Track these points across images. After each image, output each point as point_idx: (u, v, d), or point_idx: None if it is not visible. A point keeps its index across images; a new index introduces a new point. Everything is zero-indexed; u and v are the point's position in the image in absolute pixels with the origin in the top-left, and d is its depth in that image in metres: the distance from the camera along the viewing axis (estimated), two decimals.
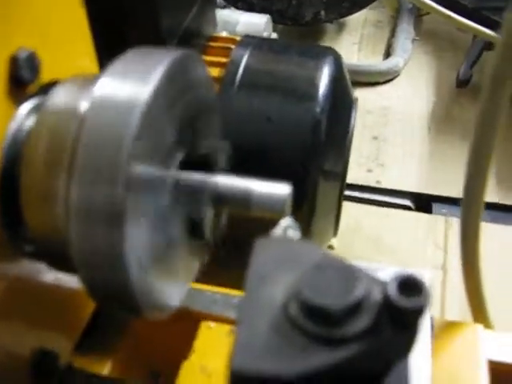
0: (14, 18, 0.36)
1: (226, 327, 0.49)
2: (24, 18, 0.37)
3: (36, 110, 0.38)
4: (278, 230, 0.34)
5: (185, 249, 0.39)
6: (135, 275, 0.33)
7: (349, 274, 0.27)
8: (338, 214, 0.71)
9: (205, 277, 0.49)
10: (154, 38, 0.53)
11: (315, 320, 0.26)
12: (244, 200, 0.35)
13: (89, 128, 0.33)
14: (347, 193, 0.81)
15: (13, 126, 0.37)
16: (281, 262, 0.29)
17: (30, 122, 0.37)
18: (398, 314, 0.25)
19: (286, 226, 0.35)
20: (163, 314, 0.38)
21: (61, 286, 0.44)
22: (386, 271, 0.50)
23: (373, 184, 0.97)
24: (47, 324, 0.44)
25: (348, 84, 0.70)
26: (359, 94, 1.16)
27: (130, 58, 0.36)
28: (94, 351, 0.52)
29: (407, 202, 0.94)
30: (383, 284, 0.26)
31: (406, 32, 1.29)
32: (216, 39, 0.69)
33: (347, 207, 0.74)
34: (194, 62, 0.37)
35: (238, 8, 1.09)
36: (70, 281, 0.44)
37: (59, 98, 0.37)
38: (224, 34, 0.74)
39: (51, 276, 0.42)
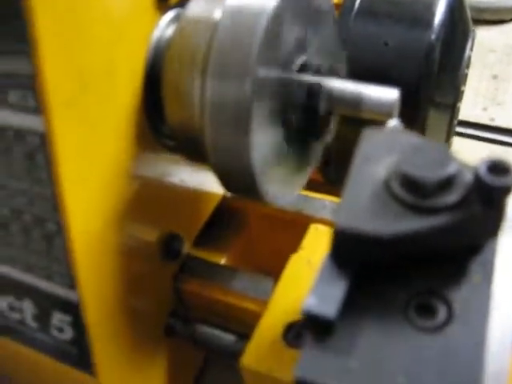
0: None
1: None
2: None
3: (176, 19, 0.43)
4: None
5: (300, 148, 0.43)
6: (257, 161, 0.38)
7: (444, 155, 0.30)
8: None
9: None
10: None
11: (410, 190, 0.29)
12: (355, 101, 0.39)
13: (221, 33, 0.38)
14: (460, 129, 0.81)
15: (156, 33, 0.43)
16: (386, 146, 0.32)
17: (171, 31, 0.43)
18: (487, 191, 0.27)
19: (393, 126, 0.38)
20: (282, 201, 0.43)
21: (191, 180, 0.51)
22: None
23: (486, 122, 0.96)
24: (177, 211, 0.50)
25: (467, 14, 0.70)
26: (481, 33, 1.14)
27: None
28: (212, 245, 0.58)
29: None
30: (475, 168, 0.29)
31: None
32: None
33: (459, 143, 0.74)
34: None
35: None
36: (199, 176, 0.51)
37: (195, 8, 0.42)
38: None
39: (184, 171, 0.49)
